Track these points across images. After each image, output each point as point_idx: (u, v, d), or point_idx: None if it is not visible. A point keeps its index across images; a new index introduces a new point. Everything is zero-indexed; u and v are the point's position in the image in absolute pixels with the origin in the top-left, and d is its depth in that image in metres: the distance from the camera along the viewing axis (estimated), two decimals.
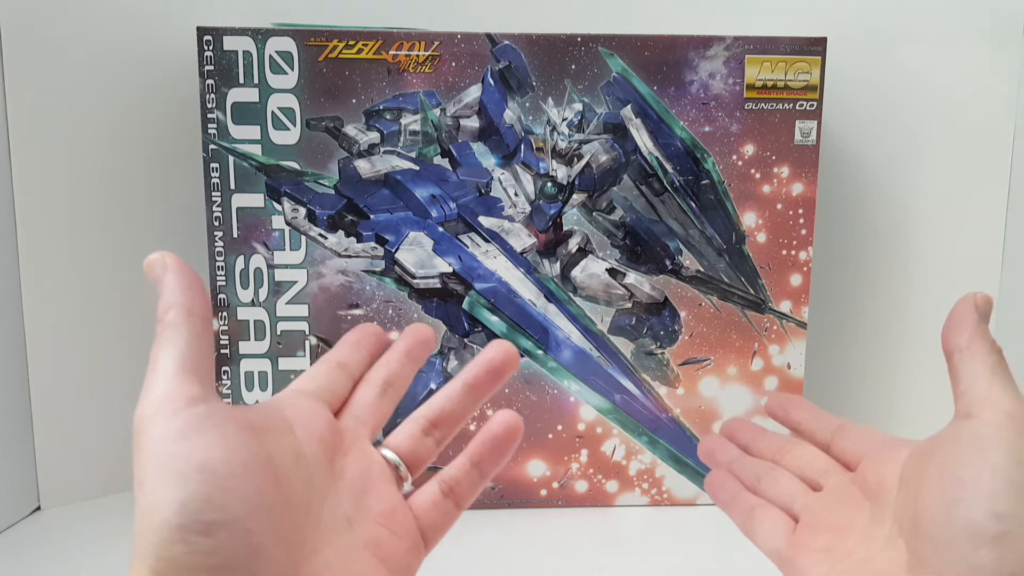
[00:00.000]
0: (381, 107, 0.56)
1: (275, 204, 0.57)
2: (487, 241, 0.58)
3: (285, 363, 0.58)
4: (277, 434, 0.28)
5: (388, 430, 0.33)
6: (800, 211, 0.59)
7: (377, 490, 0.30)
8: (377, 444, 0.32)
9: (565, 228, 0.59)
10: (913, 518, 0.29)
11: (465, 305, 0.58)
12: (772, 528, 0.35)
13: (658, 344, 0.60)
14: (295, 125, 0.56)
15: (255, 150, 0.56)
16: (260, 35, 0.54)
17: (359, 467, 0.31)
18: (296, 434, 0.29)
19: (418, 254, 0.57)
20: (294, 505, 0.27)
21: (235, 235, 0.57)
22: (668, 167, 0.58)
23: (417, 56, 0.56)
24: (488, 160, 0.58)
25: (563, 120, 0.57)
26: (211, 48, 0.54)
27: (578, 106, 0.57)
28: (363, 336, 0.35)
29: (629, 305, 0.59)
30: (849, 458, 0.36)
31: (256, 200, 0.56)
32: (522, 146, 0.58)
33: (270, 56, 0.55)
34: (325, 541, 0.28)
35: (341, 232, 0.57)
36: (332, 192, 0.57)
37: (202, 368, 0.27)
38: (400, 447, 0.32)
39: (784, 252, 0.59)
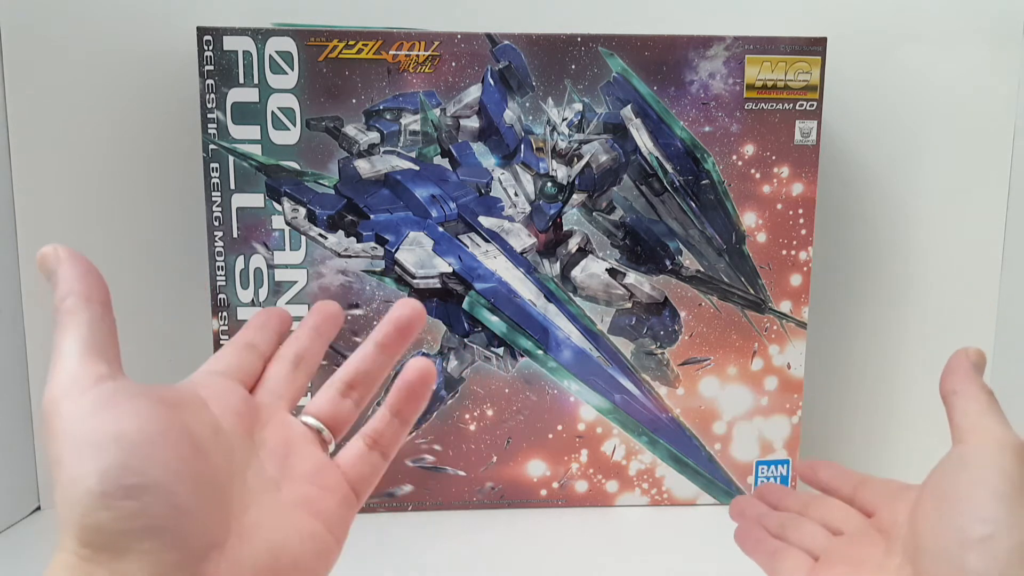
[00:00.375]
0: (381, 107, 0.56)
1: (275, 204, 0.57)
2: (487, 241, 0.58)
3: None
4: (192, 409, 0.28)
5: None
6: (800, 211, 0.59)
7: (301, 453, 0.31)
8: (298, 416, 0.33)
9: (565, 228, 0.59)
10: (915, 539, 0.31)
11: (465, 305, 0.58)
12: (793, 566, 0.36)
13: (658, 344, 0.60)
14: (295, 125, 0.56)
15: (255, 150, 0.56)
16: (260, 35, 0.54)
17: (280, 435, 0.31)
18: (211, 409, 0.29)
19: (418, 254, 0.57)
20: (216, 472, 0.27)
21: (235, 235, 0.57)
22: (668, 167, 0.58)
23: (417, 56, 0.56)
24: (488, 160, 0.58)
25: (563, 120, 0.57)
26: (211, 48, 0.54)
27: (578, 106, 0.57)
28: (267, 317, 0.36)
29: (629, 305, 0.59)
30: (870, 507, 0.37)
31: (256, 200, 0.56)
32: (522, 146, 0.58)
33: (270, 56, 0.55)
34: (254, 502, 0.28)
35: (341, 232, 0.57)
36: (332, 192, 0.57)
37: (107, 350, 0.27)
38: (320, 412, 0.32)
39: (784, 252, 0.59)
